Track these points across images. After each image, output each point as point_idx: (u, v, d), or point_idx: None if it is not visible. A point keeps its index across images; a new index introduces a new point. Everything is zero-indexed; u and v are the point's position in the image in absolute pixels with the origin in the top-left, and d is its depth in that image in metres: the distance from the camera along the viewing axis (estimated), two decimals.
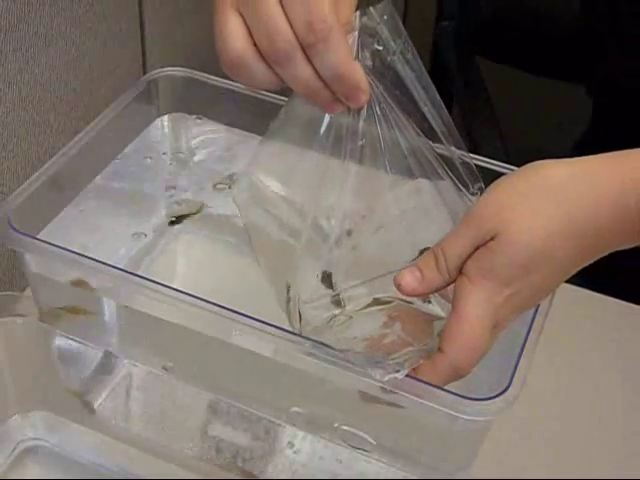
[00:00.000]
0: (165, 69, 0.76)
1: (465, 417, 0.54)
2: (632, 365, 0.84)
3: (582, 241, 0.54)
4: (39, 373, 0.74)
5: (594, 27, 1.04)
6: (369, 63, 0.58)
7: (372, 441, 0.63)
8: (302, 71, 0.55)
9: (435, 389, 0.55)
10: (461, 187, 0.61)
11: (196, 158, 0.80)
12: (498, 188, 0.56)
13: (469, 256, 0.54)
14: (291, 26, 0.54)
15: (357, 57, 0.57)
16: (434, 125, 0.60)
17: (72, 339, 0.71)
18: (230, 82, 0.74)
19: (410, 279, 0.55)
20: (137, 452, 0.73)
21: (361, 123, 0.58)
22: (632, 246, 0.56)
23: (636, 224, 0.54)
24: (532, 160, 0.57)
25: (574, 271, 0.56)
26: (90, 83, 0.91)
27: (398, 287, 0.56)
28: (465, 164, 0.61)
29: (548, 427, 0.78)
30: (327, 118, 0.59)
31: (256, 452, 0.72)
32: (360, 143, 0.58)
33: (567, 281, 0.71)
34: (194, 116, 0.79)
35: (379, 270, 0.60)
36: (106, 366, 0.76)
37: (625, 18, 0.98)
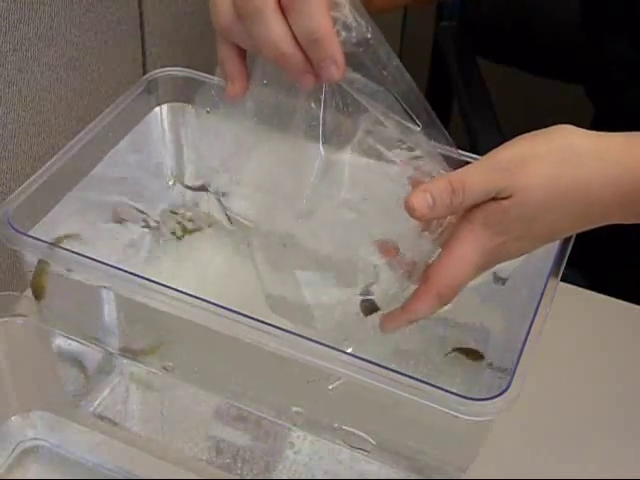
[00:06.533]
0: (165, 69, 0.76)
1: (465, 417, 0.54)
2: (632, 365, 0.84)
3: (588, 210, 0.57)
4: (39, 373, 0.74)
5: (593, 27, 1.04)
6: None
7: (372, 441, 0.63)
8: (273, 30, 0.54)
9: (435, 389, 0.55)
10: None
11: (195, 154, 0.80)
12: (525, 142, 0.57)
13: (480, 204, 0.56)
14: None
15: None
16: (405, 107, 0.60)
17: (72, 339, 0.71)
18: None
19: (423, 203, 0.56)
20: (137, 452, 0.73)
21: (321, 112, 0.58)
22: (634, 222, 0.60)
23: (628, 203, 0.58)
24: None
25: (568, 234, 0.61)
26: (90, 83, 0.91)
27: (410, 209, 0.56)
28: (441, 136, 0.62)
29: (548, 427, 0.78)
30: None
31: (256, 452, 0.72)
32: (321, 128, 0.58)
33: (567, 281, 0.71)
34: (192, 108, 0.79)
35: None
36: (106, 366, 0.76)
37: (623, 19, 0.98)
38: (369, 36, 0.57)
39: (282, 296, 0.61)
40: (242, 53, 0.59)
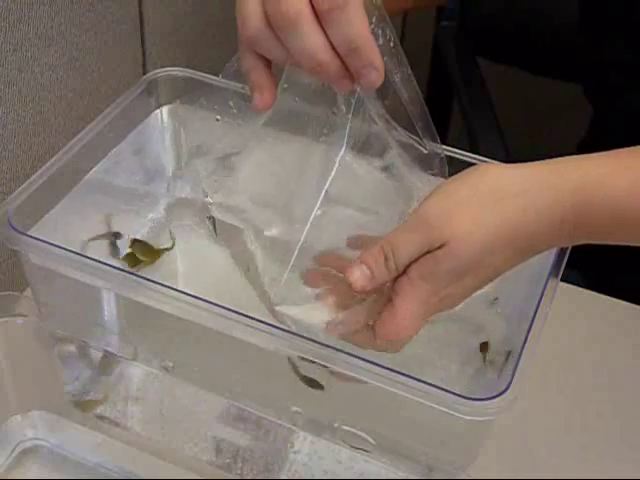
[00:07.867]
0: (165, 69, 0.76)
1: (465, 417, 0.54)
2: (632, 365, 0.84)
3: (518, 248, 0.57)
4: (39, 373, 0.74)
5: (591, 30, 1.04)
6: None
7: (372, 441, 0.63)
8: (310, 40, 0.54)
9: (435, 389, 0.55)
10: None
11: (194, 154, 0.80)
12: (448, 192, 0.57)
13: (417, 259, 0.56)
14: None
15: None
16: (409, 114, 0.60)
17: (72, 339, 0.71)
18: (230, 82, 0.74)
19: (360, 276, 0.56)
20: (137, 452, 0.73)
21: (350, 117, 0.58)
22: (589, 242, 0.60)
23: (565, 233, 0.57)
24: (532, 160, 0.58)
25: (505, 272, 0.59)
26: (90, 83, 0.91)
27: (349, 284, 0.57)
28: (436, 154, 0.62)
29: (548, 427, 0.78)
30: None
31: (256, 452, 0.72)
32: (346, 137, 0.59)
33: (567, 281, 0.71)
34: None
35: None
36: (106, 366, 0.76)
37: (621, 23, 0.98)
38: (392, 45, 0.58)
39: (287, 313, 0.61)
40: (268, 63, 0.59)
